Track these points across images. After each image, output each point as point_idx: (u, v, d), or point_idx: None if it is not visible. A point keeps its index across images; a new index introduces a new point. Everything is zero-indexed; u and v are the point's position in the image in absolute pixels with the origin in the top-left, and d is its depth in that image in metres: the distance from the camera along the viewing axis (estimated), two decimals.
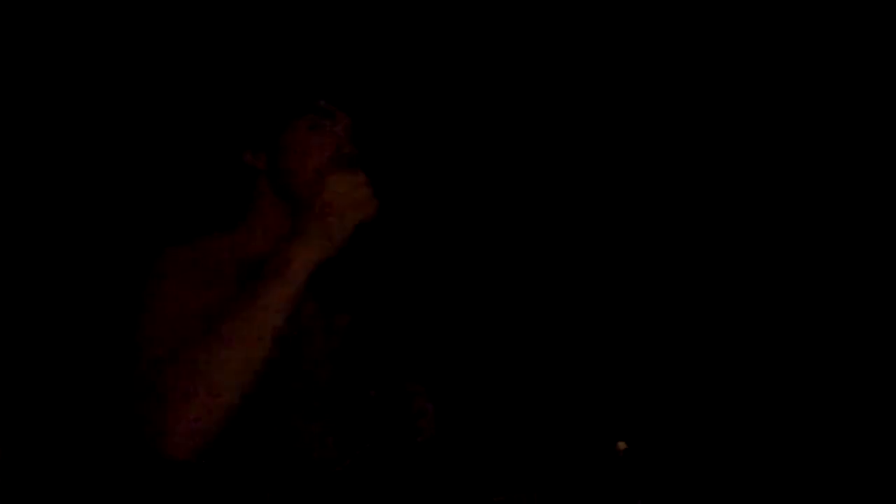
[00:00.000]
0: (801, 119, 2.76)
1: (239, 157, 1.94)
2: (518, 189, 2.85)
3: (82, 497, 2.29)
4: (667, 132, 2.84)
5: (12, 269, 2.56)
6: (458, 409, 2.62)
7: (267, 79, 1.97)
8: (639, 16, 2.81)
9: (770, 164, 2.78)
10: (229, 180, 1.97)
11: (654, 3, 2.80)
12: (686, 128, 2.83)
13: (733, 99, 2.81)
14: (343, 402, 1.94)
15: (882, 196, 2.69)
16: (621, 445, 2.10)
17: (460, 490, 2.06)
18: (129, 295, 1.77)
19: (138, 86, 2.64)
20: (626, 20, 2.82)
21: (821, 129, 2.75)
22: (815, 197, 2.73)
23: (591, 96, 2.86)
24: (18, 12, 2.53)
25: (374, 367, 2.02)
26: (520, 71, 2.86)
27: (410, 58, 2.77)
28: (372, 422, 1.93)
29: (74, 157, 2.65)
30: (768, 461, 2.67)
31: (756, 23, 2.77)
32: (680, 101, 2.83)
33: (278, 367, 1.75)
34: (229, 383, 1.59)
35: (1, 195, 2.57)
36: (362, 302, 2.10)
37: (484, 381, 2.74)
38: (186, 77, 2.55)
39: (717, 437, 2.71)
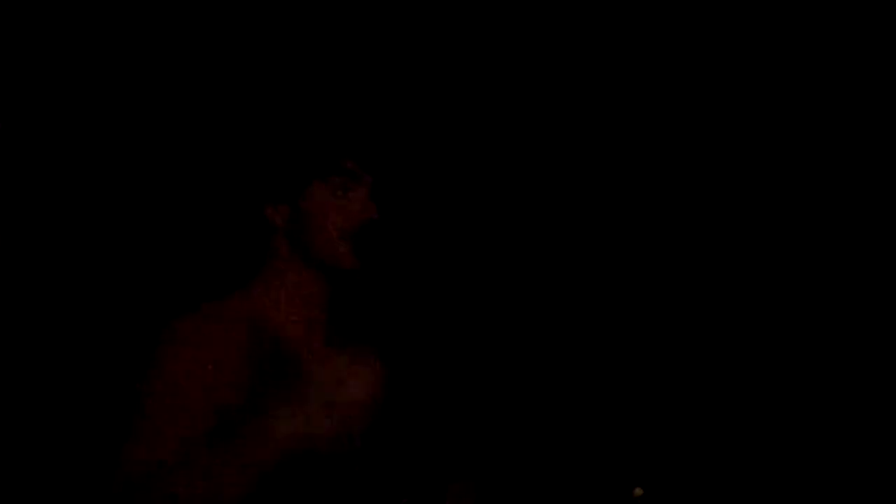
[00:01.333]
0: (802, 119, 2.75)
1: (259, 210, 1.90)
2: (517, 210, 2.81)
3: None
4: (666, 132, 2.82)
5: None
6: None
7: (294, 133, 1.93)
8: (639, 16, 2.80)
9: (770, 164, 2.74)
10: (245, 235, 1.93)
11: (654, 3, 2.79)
12: (686, 128, 2.78)
13: (733, 99, 2.81)
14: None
15: (882, 196, 2.65)
16: (638, 492, 2.03)
17: None
18: (124, 376, 1.71)
19: (156, 124, 2.62)
20: (626, 20, 2.81)
21: (821, 129, 2.73)
22: (815, 197, 2.70)
23: (590, 96, 2.85)
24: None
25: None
26: (518, 74, 2.86)
27: (435, 118, 2.78)
28: None
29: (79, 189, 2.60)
30: (768, 461, 2.65)
31: (756, 23, 2.76)
32: (680, 101, 2.83)
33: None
34: None
35: None
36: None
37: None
38: (212, 121, 2.52)
39: (717, 436, 2.69)
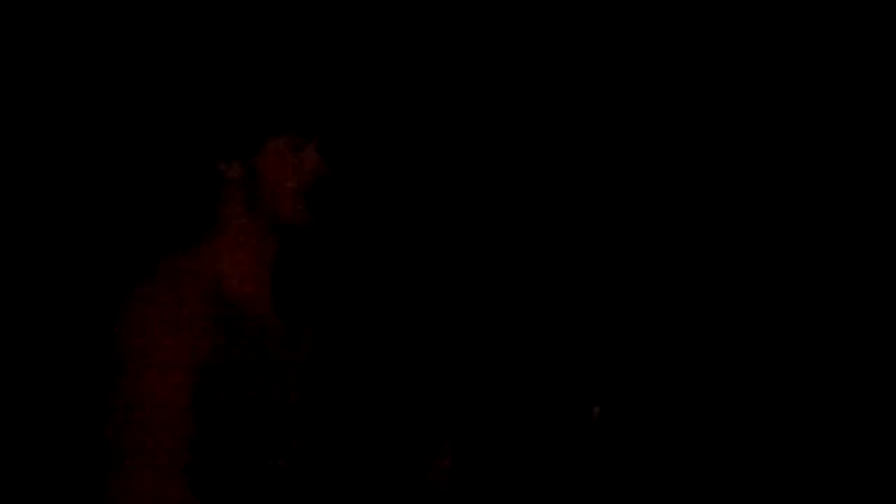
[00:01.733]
0: (801, 119, 2.76)
1: (212, 168, 1.91)
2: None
3: None
4: (666, 132, 2.83)
5: None
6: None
7: (248, 88, 1.93)
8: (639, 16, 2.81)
9: (770, 164, 2.76)
10: (198, 192, 1.94)
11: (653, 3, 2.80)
12: (686, 128, 2.80)
13: (733, 99, 2.81)
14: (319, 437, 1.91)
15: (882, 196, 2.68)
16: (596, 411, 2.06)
17: None
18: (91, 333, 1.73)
19: (107, 85, 2.60)
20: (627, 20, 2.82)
21: (821, 129, 2.74)
22: (815, 197, 2.72)
23: (589, 97, 2.85)
24: None
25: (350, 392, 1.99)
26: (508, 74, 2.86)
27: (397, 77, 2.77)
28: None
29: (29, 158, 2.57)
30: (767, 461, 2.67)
31: (756, 23, 2.77)
32: (680, 101, 2.83)
33: (239, 393, 1.76)
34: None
35: None
36: (328, 313, 2.07)
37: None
38: (163, 78, 2.50)
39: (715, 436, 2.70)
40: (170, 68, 2.57)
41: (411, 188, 2.75)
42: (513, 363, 2.69)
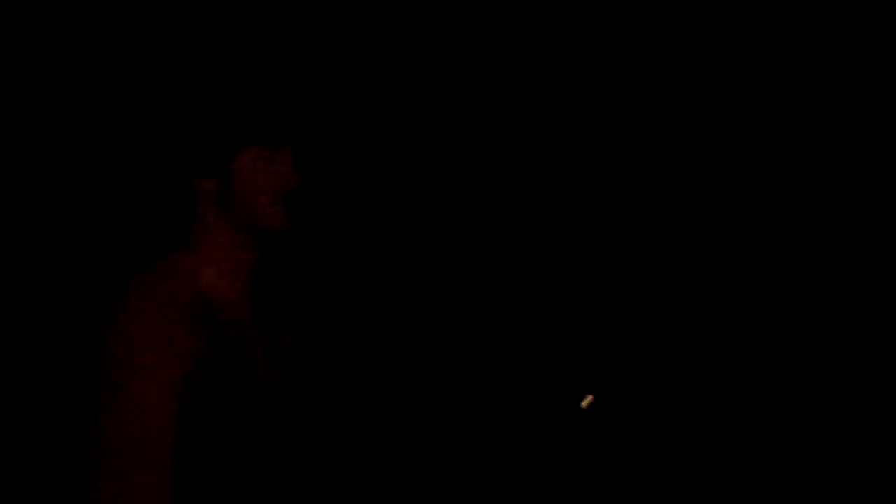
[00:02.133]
0: (801, 119, 2.78)
1: (187, 180, 1.95)
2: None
3: None
4: (666, 132, 2.84)
5: None
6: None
7: (219, 102, 1.96)
8: (639, 16, 2.82)
9: (770, 164, 2.78)
10: (174, 205, 1.97)
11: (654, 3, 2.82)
12: (686, 128, 2.81)
13: (733, 99, 2.83)
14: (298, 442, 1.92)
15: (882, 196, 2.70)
16: (587, 399, 2.07)
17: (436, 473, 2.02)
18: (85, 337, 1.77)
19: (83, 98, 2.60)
20: (626, 20, 2.83)
21: (821, 130, 2.76)
22: (815, 197, 2.74)
23: (589, 97, 2.87)
24: None
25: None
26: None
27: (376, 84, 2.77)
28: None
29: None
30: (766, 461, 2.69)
31: (756, 23, 2.79)
32: (680, 102, 2.85)
33: (223, 399, 1.79)
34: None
35: None
36: (305, 321, 2.12)
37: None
38: (136, 95, 2.51)
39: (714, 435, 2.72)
40: (140, 88, 2.58)
41: (387, 192, 2.77)
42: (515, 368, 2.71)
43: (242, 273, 1.96)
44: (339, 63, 2.76)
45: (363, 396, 2.55)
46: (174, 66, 2.52)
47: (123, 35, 2.63)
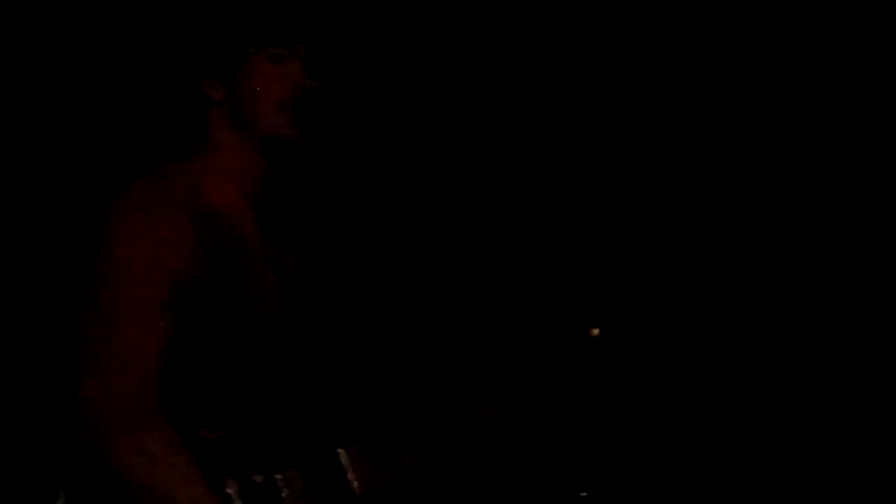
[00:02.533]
0: (801, 119, 2.76)
1: (196, 85, 1.90)
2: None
3: None
4: (666, 132, 2.81)
5: None
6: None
7: (227, 4, 1.94)
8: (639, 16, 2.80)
9: (770, 164, 2.75)
10: (183, 109, 1.93)
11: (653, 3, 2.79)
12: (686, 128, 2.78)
13: (733, 99, 2.81)
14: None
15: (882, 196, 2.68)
16: (594, 332, 2.05)
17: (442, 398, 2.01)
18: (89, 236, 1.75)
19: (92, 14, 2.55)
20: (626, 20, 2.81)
21: (821, 130, 2.74)
22: (815, 197, 2.71)
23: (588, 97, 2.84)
24: None
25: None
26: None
27: None
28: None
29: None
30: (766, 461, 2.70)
31: (756, 23, 2.77)
32: (680, 102, 2.83)
33: (223, 310, 1.77)
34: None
35: None
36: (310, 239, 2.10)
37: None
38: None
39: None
40: None
41: (401, 104, 2.73)
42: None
43: (249, 183, 1.93)
44: None
45: (366, 319, 2.53)
46: None
47: None
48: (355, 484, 1.81)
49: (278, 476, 1.75)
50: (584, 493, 2.36)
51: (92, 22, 2.58)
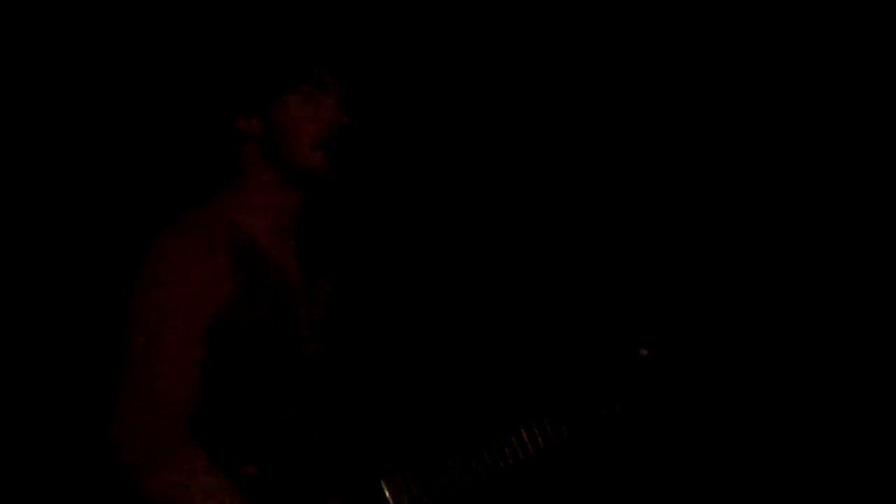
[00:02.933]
0: (801, 119, 2.73)
1: (231, 122, 1.93)
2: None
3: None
4: (665, 132, 2.80)
5: None
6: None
7: (262, 43, 1.96)
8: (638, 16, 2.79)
9: (770, 164, 2.73)
10: (219, 146, 1.96)
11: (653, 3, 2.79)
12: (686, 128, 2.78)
13: (733, 99, 2.79)
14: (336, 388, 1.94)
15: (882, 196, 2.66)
16: (643, 352, 2.05)
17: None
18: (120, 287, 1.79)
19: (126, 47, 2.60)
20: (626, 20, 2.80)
21: (821, 130, 2.72)
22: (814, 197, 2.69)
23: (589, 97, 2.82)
24: None
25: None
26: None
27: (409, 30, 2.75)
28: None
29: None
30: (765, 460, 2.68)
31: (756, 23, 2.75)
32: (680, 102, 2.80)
33: (256, 344, 1.80)
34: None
35: None
36: (348, 268, 2.11)
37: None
38: (177, 37, 2.50)
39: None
40: (186, 24, 2.57)
41: (436, 137, 2.74)
42: None
43: (285, 217, 1.95)
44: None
45: (404, 347, 2.53)
46: (218, 6, 2.51)
47: None
48: None
49: None
50: None
51: (131, 57, 2.61)
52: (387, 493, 1.83)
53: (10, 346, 2.52)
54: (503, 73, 2.82)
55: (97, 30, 2.60)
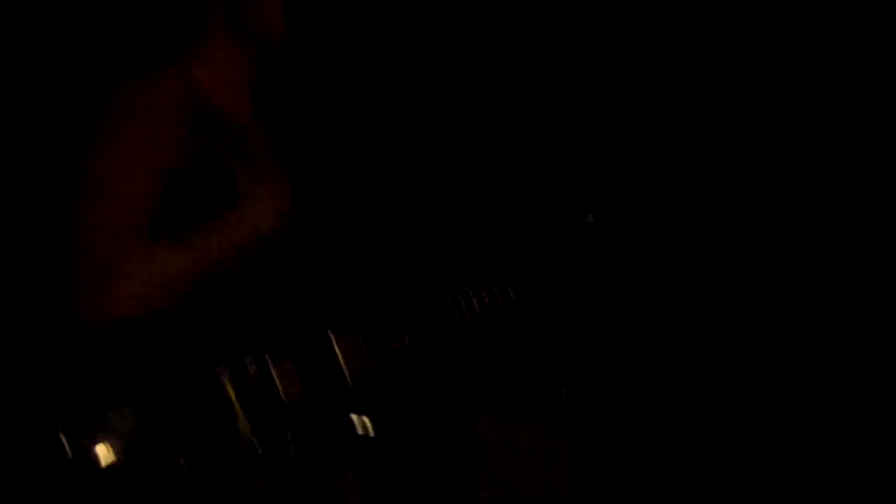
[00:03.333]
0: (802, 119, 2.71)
1: None
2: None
3: None
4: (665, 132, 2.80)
5: None
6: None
7: None
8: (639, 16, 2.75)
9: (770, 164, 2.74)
10: (181, 10, 1.96)
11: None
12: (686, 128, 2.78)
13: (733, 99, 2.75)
14: None
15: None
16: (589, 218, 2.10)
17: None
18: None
19: None
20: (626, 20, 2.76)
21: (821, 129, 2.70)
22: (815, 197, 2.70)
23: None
24: None
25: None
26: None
27: None
28: None
29: None
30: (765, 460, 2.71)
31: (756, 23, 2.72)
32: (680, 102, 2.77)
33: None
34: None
35: None
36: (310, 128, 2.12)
37: None
38: None
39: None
40: None
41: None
42: None
43: (248, 79, 1.96)
44: None
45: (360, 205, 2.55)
46: None
47: None
48: (347, 371, 1.88)
49: (270, 362, 1.82)
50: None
51: None
52: (335, 348, 1.88)
53: None
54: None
55: None
